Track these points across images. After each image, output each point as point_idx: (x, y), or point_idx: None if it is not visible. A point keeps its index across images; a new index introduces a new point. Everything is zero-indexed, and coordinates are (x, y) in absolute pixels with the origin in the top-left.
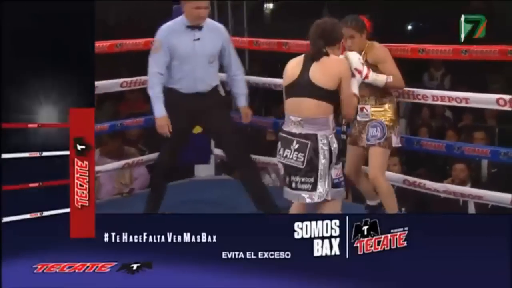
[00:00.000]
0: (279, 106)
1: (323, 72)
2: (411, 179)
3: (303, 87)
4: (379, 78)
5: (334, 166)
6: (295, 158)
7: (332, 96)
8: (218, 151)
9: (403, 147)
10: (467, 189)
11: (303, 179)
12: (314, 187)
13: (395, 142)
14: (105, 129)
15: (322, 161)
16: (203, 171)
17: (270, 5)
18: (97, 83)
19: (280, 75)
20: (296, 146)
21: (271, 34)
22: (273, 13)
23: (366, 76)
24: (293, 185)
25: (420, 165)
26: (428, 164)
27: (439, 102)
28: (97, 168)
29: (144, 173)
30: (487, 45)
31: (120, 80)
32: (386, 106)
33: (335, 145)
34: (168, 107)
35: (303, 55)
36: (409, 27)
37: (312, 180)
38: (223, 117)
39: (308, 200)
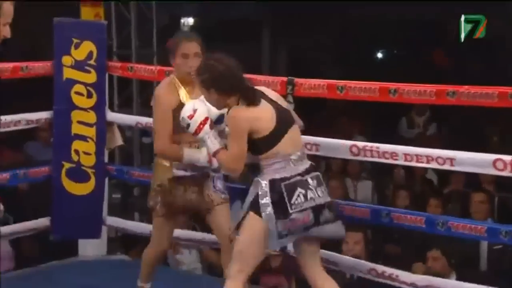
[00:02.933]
0: None
1: (277, 97)
2: (379, 268)
3: (288, 116)
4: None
5: None
6: (319, 195)
7: None
8: (112, 221)
9: (369, 220)
10: (458, 284)
11: (328, 211)
12: (334, 217)
13: None
14: None
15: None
16: (91, 248)
17: (189, 21)
18: None
19: None
20: (314, 183)
21: None
22: (195, 33)
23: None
24: (321, 219)
25: (391, 241)
26: (403, 241)
27: (413, 163)
28: None
29: (6, 250)
30: (483, 87)
31: None
32: None
33: None
34: None
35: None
36: (379, 55)
37: (332, 210)
38: None
39: (340, 233)
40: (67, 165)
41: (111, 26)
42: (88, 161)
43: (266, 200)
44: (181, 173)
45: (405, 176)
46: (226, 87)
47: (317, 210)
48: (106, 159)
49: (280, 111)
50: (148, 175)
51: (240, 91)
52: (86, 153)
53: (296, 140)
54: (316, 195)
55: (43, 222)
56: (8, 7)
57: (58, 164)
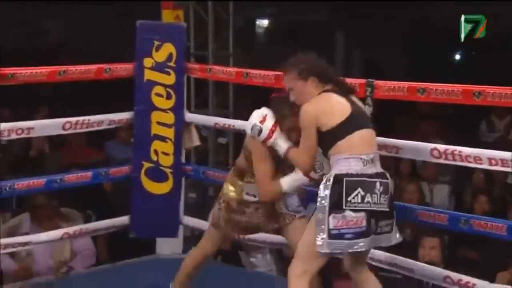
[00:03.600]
0: None
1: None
2: (455, 276)
3: (365, 118)
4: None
5: None
6: (381, 202)
7: None
8: (188, 220)
9: (447, 226)
10: None
11: (387, 222)
12: (392, 227)
13: None
14: (40, 186)
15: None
16: (168, 246)
17: (264, 23)
18: (32, 123)
19: None
20: (381, 189)
21: (264, 62)
22: (269, 34)
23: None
24: (378, 229)
25: (470, 247)
26: (483, 247)
27: (498, 168)
28: (28, 238)
29: (88, 247)
30: None
31: (63, 120)
32: None
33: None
34: None
35: (328, 93)
36: (457, 57)
37: (391, 221)
38: None
39: (394, 242)
40: (146, 165)
41: (189, 28)
42: (167, 161)
43: (325, 193)
44: (251, 198)
45: (484, 181)
46: (326, 76)
47: (372, 216)
48: (183, 160)
49: (356, 110)
50: (223, 176)
51: (334, 82)
52: (164, 153)
53: (369, 142)
54: (377, 201)
55: (122, 220)
56: None
57: (138, 164)
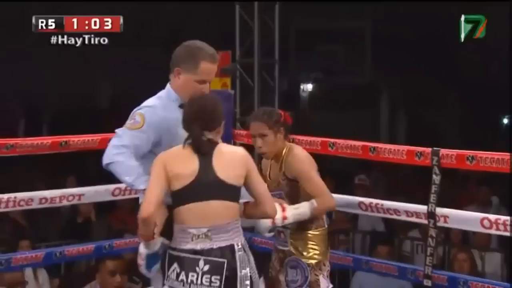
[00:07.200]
0: None
1: (228, 165)
2: None
3: (212, 186)
4: (300, 211)
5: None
6: (203, 283)
7: (238, 195)
8: None
9: None
10: None
11: None
12: None
13: (324, 285)
14: (89, 253)
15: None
16: None
17: (308, 87)
18: (82, 190)
19: None
20: (206, 268)
21: (308, 127)
22: (313, 98)
23: (284, 218)
24: None
25: None
26: None
27: None
28: None
29: None
30: None
31: (112, 187)
32: (310, 233)
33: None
34: None
35: (181, 147)
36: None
37: None
38: None
39: None
40: None
41: (236, 94)
42: None
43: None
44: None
45: None
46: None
47: None
48: None
49: (202, 178)
50: None
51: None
52: None
53: (210, 215)
54: (196, 281)
55: None
56: (206, 66)
57: None
